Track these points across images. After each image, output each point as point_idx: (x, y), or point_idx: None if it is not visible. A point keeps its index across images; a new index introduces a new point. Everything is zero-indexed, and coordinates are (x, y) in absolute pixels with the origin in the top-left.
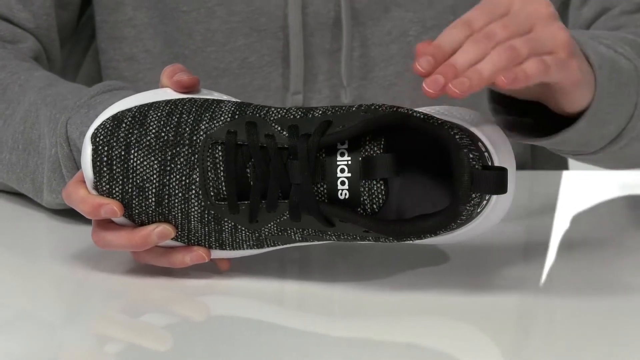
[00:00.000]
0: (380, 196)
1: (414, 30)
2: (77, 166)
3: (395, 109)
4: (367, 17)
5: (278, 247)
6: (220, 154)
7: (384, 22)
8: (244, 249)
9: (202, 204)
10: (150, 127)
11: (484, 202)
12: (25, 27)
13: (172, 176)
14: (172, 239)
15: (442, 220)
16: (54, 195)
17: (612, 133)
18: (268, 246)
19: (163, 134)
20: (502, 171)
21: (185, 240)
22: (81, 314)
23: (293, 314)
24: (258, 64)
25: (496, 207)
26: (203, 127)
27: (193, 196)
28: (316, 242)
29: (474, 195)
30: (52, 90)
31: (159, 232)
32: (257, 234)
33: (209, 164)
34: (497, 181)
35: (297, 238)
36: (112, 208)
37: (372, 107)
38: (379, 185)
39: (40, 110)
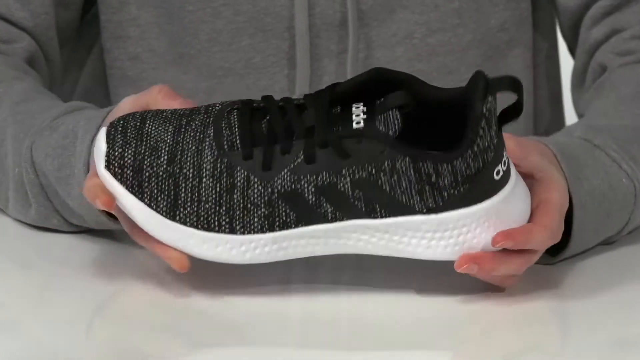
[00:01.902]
0: (396, 122)
1: (419, 33)
2: (44, 192)
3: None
4: (373, 18)
5: (286, 232)
6: (235, 116)
7: (389, 24)
8: (254, 223)
9: (215, 153)
10: (166, 110)
11: (500, 166)
12: (23, 25)
13: (186, 135)
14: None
15: (457, 148)
16: (20, 215)
17: (608, 235)
18: (279, 216)
19: (179, 111)
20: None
21: (194, 218)
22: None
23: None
24: (263, 65)
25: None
26: (218, 105)
27: (207, 147)
28: (326, 207)
29: (485, 127)
30: (24, 107)
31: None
32: (269, 190)
33: (224, 124)
34: (512, 82)
35: (310, 194)
36: (104, 200)
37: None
38: (394, 113)
39: (8, 127)
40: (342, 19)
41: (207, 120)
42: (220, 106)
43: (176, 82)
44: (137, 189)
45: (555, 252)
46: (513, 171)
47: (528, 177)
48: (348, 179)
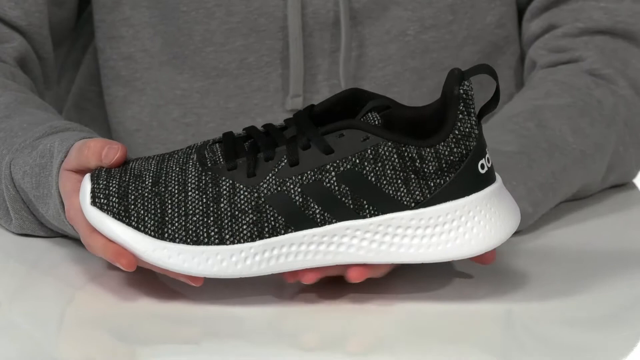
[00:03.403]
0: (376, 120)
1: (412, 30)
2: (26, 207)
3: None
4: (366, 16)
5: (276, 238)
6: (217, 146)
7: (382, 21)
8: (243, 231)
9: (199, 169)
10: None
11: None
12: (16, 24)
13: (169, 162)
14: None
15: (439, 132)
16: (4, 225)
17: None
18: (267, 221)
19: (160, 153)
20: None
21: (183, 233)
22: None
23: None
24: (257, 65)
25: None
26: (200, 142)
27: (190, 166)
28: (314, 207)
29: (464, 110)
30: (6, 123)
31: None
32: (256, 195)
33: (206, 151)
34: (487, 68)
35: (296, 195)
36: (129, 258)
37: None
38: (373, 114)
39: None
40: (335, 17)
41: (189, 151)
42: (202, 142)
43: (170, 82)
44: (123, 215)
45: None
46: (497, 175)
47: None
48: (333, 174)
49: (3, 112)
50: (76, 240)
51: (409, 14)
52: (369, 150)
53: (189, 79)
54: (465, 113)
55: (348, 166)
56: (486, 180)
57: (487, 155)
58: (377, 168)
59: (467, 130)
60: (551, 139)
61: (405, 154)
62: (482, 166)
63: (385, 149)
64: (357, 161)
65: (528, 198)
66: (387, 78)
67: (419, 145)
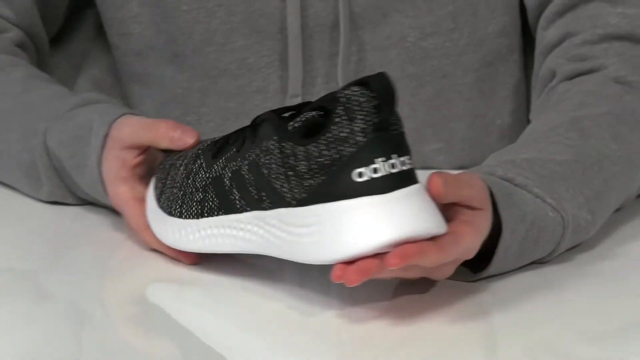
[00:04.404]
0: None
1: (412, 36)
2: (58, 174)
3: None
4: (366, 21)
5: (211, 218)
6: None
7: (382, 27)
8: (192, 208)
9: (203, 146)
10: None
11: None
12: (10, 21)
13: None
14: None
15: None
16: (32, 193)
17: (531, 261)
18: (207, 202)
19: None
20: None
21: (166, 203)
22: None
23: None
24: (257, 65)
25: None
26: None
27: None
28: (235, 194)
29: (344, 116)
30: (26, 98)
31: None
32: (207, 176)
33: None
34: (378, 75)
35: (227, 179)
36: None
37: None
38: (309, 114)
39: (14, 117)
40: (335, 21)
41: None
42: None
43: (172, 80)
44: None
45: (478, 269)
46: (397, 196)
47: (462, 207)
48: (246, 162)
49: (20, 87)
50: (106, 207)
51: (410, 21)
52: (264, 142)
53: (190, 77)
54: (345, 118)
55: (253, 156)
56: (365, 190)
57: (374, 166)
58: (268, 161)
59: (343, 135)
60: (597, 147)
61: (285, 151)
62: (361, 175)
63: (271, 143)
64: (258, 151)
65: (587, 206)
66: None
67: (296, 142)
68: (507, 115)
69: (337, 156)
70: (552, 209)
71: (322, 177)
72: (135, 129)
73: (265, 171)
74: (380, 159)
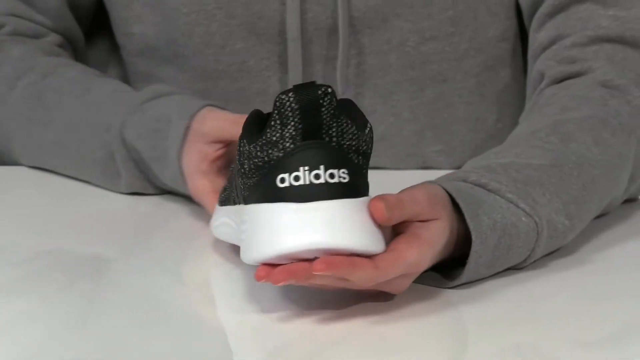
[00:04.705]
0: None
1: (412, 41)
2: (137, 166)
3: None
4: (365, 25)
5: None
6: None
7: (382, 32)
8: (222, 195)
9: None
10: None
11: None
12: (45, 25)
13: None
14: None
15: None
16: (111, 187)
17: (506, 267)
18: (229, 190)
19: None
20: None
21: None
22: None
23: None
24: (257, 68)
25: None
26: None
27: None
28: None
29: (278, 121)
30: (89, 96)
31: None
32: (234, 166)
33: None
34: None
35: (236, 172)
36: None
37: None
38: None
39: (81, 119)
40: (334, 25)
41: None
42: None
43: (174, 81)
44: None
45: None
46: (314, 207)
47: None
48: (238, 157)
49: (80, 86)
50: (183, 196)
51: (410, 26)
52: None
53: (191, 79)
54: (278, 122)
55: (242, 150)
56: (284, 196)
57: (296, 174)
58: (237, 157)
59: (274, 139)
60: (577, 151)
61: (241, 148)
62: (283, 180)
63: (239, 140)
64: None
65: (565, 211)
66: (386, 87)
67: (248, 141)
68: (509, 119)
69: (267, 159)
70: (526, 214)
71: (255, 178)
72: (221, 124)
73: (236, 167)
74: (304, 168)
